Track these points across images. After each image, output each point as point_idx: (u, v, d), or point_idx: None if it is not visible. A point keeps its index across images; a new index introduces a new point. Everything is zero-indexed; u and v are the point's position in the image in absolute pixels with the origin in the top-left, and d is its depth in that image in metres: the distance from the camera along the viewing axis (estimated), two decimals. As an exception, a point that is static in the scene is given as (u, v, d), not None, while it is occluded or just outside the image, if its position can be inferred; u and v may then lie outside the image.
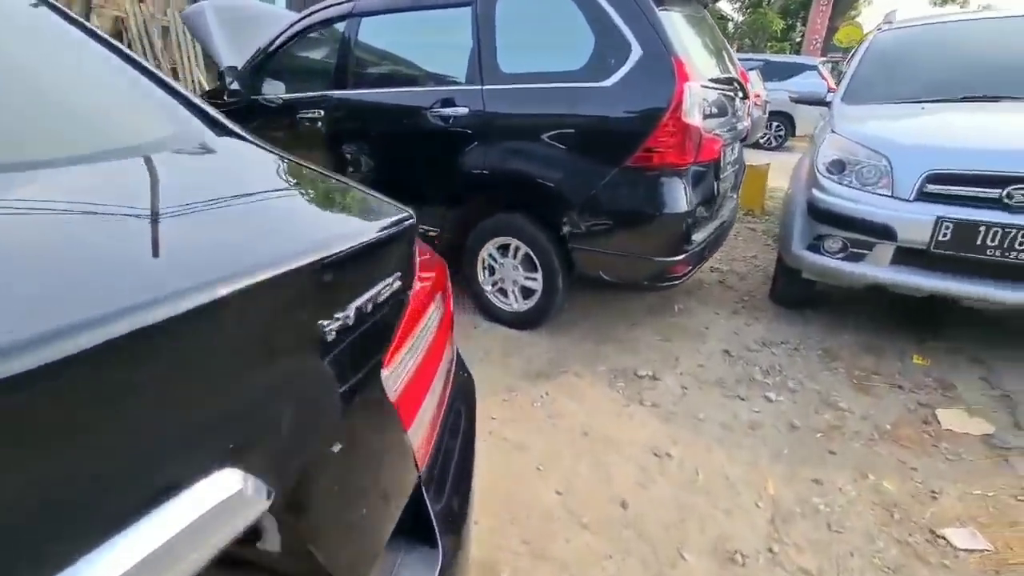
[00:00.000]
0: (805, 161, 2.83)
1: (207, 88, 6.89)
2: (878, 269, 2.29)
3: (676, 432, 1.89)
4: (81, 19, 0.89)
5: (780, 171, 5.16)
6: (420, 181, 2.66)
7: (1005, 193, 2.04)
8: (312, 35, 2.97)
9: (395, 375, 0.62)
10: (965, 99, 2.62)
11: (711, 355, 2.41)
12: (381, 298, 0.57)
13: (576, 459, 1.73)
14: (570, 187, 2.24)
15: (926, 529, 1.50)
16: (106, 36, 0.87)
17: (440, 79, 2.57)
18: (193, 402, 0.39)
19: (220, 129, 0.75)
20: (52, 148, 0.59)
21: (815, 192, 2.47)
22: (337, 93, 2.79)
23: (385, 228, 0.62)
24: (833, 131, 2.60)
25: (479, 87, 2.36)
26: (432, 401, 0.72)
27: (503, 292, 2.58)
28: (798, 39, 19.38)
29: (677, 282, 2.32)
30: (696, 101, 2.08)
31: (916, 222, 2.15)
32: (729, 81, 2.66)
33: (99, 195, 0.53)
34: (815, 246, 2.46)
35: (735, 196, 3.06)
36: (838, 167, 2.45)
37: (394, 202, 0.71)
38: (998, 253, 2.05)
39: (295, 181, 0.74)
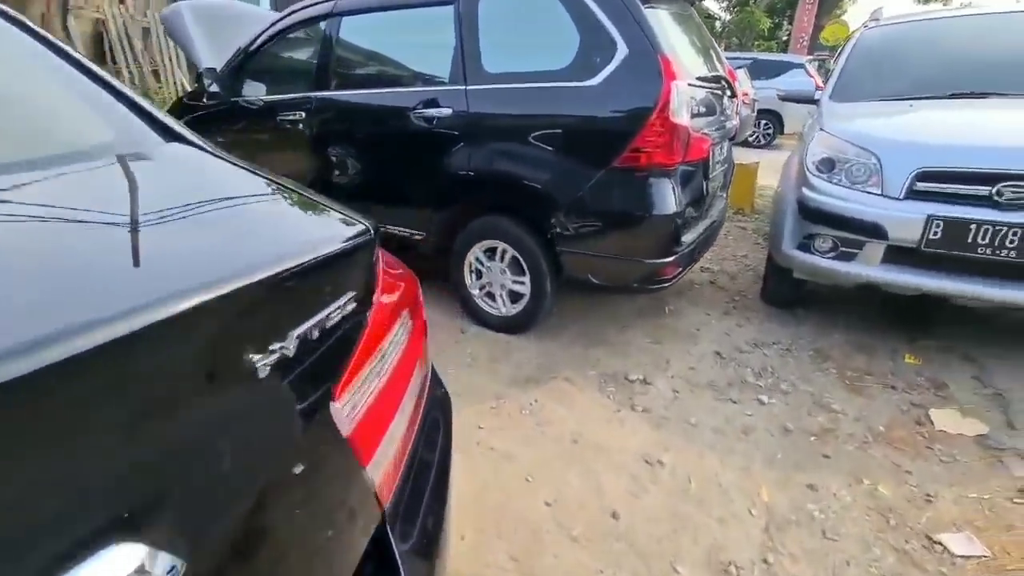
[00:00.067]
0: (794, 159, 2.80)
1: (188, 90, 6.78)
2: (869, 268, 2.27)
3: (668, 438, 1.85)
4: (24, 18, 0.83)
5: (769, 169, 5.15)
6: (405, 184, 2.61)
7: (995, 191, 2.02)
8: (293, 35, 2.90)
9: (351, 404, 0.55)
10: (953, 96, 2.61)
11: (702, 357, 2.38)
12: (331, 322, 0.51)
13: (566, 468, 1.69)
14: (557, 189, 2.19)
15: (922, 535, 1.47)
16: (52, 38, 0.81)
17: (423, 79, 2.52)
18: (76, 463, 0.32)
19: (168, 135, 0.69)
20: None
21: (805, 191, 2.44)
22: (319, 94, 2.72)
23: (338, 244, 0.56)
24: (822, 129, 2.57)
25: (463, 87, 2.31)
26: (400, 425, 0.65)
27: (491, 296, 2.53)
28: (785, 37, 19.56)
29: (667, 284, 2.28)
30: (683, 100, 2.04)
31: (906, 220, 2.13)
32: (716, 79, 2.63)
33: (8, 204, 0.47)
34: (805, 245, 2.43)
35: (724, 195, 3.03)
36: (828, 165, 2.42)
37: (354, 214, 0.65)
38: (988, 251, 2.03)
39: (242, 190, 0.67)
